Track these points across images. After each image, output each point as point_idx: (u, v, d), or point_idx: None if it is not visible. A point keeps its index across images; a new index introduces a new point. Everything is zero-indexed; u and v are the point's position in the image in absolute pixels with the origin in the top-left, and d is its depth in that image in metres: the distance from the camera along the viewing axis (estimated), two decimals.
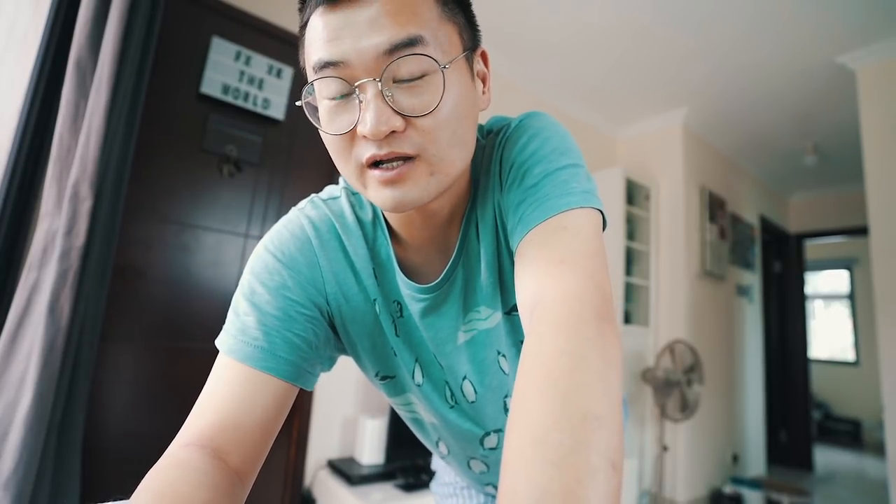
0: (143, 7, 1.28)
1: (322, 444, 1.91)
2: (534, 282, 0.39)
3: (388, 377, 0.58)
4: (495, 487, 0.68)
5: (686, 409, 2.69)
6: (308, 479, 1.86)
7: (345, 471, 1.75)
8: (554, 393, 0.29)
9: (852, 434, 5.35)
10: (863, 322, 5.66)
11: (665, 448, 2.78)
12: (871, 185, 2.33)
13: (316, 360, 0.50)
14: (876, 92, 2.37)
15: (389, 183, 0.40)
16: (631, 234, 3.10)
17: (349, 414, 2.00)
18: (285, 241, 0.51)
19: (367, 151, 0.40)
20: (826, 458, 4.62)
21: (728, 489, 2.93)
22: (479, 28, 0.48)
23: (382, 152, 0.39)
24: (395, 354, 0.56)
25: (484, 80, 0.48)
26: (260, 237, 1.81)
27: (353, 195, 0.55)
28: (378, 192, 0.41)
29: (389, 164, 0.40)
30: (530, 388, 0.30)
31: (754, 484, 2.98)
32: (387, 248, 0.53)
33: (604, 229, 0.44)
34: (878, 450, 4.66)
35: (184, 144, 1.68)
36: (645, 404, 2.95)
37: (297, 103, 0.43)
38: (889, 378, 2.15)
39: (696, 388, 2.70)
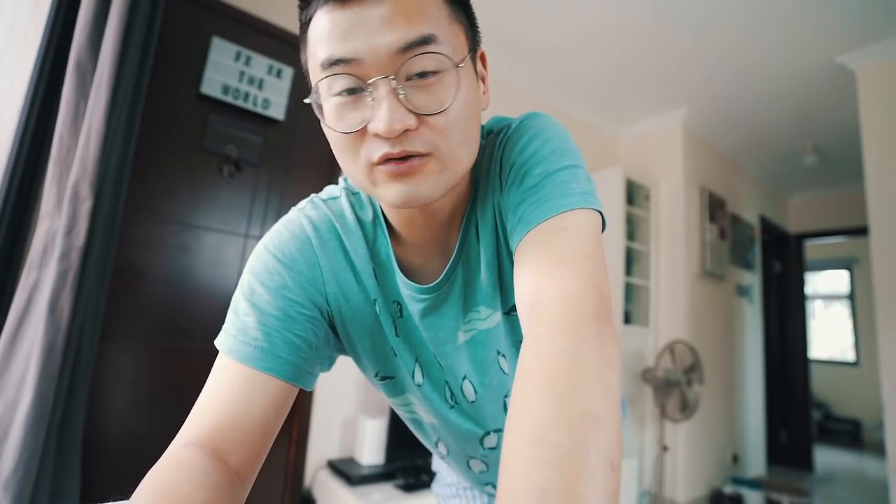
0: (143, 7, 1.28)
1: (322, 444, 1.91)
2: (533, 282, 0.39)
3: (387, 377, 0.58)
4: (494, 487, 0.69)
5: (686, 409, 2.69)
6: (308, 479, 1.86)
7: (345, 471, 1.75)
8: (552, 393, 0.29)
9: (852, 434, 5.35)
10: (863, 322, 5.66)
11: (665, 448, 2.78)
12: (871, 185, 2.33)
13: (316, 360, 0.50)
14: (876, 92, 2.37)
15: (400, 176, 0.40)
16: (631, 234, 3.10)
17: (349, 414, 2.00)
18: (285, 241, 0.51)
19: (380, 150, 0.39)
20: (826, 458, 4.62)
21: (728, 489, 2.93)
22: (479, 29, 0.48)
23: (396, 151, 0.39)
24: (395, 355, 0.56)
25: (483, 81, 0.48)
26: (260, 237, 1.81)
27: (353, 195, 0.55)
28: (388, 188, 0.41)
29: (402, 158, 0.40)
30: (529, 387, 0.30)
31: (754, 484, 2.98)
32: (387, 249, 0.53)
33: (603, 230, 0.44)
34: (878, 450, 4.66)
35: (184, 144, 1.68)
36: (645, 404, 2.95)
37: (307, 100, 0.42)
38: (889, 378, 2.15)
39: (696, 388, 2.70)
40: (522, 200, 0.44)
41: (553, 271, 0.38)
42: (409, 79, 0.39)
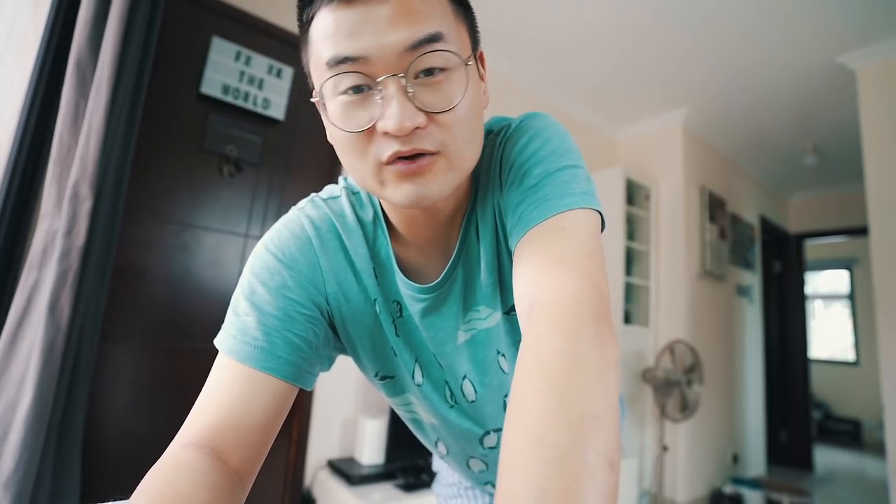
0: (143, 7, 1.28)
1: (322, 444, 1.91)
2: (532, 281, 0.39)
3: (387, 377, 0.58)
4: (494, 486, 0.69)
5: (686, 409, 2.69)
6: (308, 479, 1.86)
7: (345, 471, 1.75)
8: (551, 393, 0.29)
9: (852, 434, 5.35)
10: (863, 322, 5.66)
11: (665, 448, 2.78)
12: (871, 185, 2.33)
13: (315, 360, 0.50)
14: (876, 92, 2.37)
15: (410, 176, 0.40)
16: (631, 234, 3.10)
17: (349, 414, 2.00)
18: (286, 240, 0.51)
19: (389, 148, 0.39)
20: (826, 458, 4.62)
21: (728, 489, 2.93)
22: (478, 29, 0.48)
23: (406, 149, 0.39)
24: (395, 354, 0.56)
25: (482, 80, 0.49)
26: (260, 237, 1.80)
27: (353, 194, 0.55)
28: (398, 188, 0.41)
29: (411, 158, 0.40)
30: (528, 387, 0.30)
31: (754, 484, 2.98)
32: (387, 248, 0.53)
33: (602, 230, 0.44)
34: (878, 450, 4.66)
35: (184, 144, 1.68)
36: (645, 404, 2.95)
37: (313, 99, 0.42)
38: (889, 378, 2.15)
39: (696, 388, 2.70)
40: (522, 200, 0.44)
41: (552, 271, 0.38)
42: (416, 77, 0.39)
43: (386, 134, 0.39)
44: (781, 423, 4.31)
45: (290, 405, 0.47)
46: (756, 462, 3.60)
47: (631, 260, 3.07)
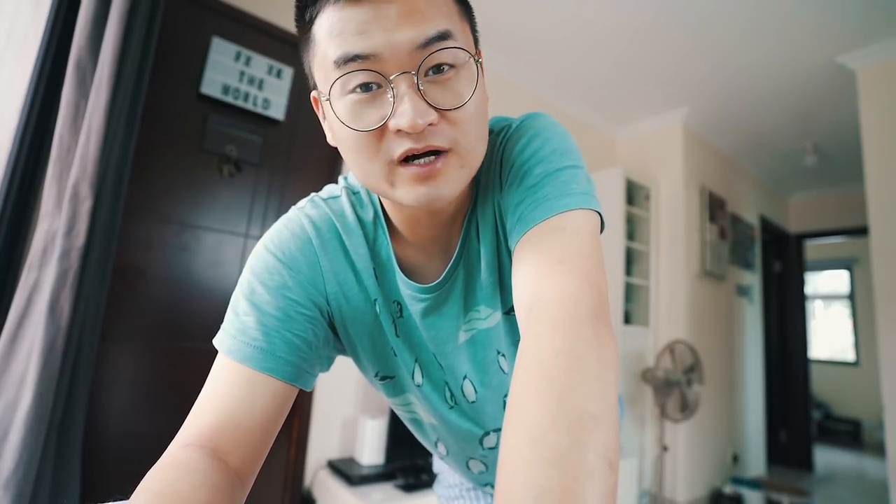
0: (143, 7, 1.28)
1: (322, 444, 1.91)
2: (531, 281, 0.39)
3: (387, 377, 0.58)
4: (493, 487, 0.68)
5: (686, 409, 2.69)
6: (308, 479, 1.86)
7: (345, 471, 1.75)
8: (550, 393, 0.29)
9: (852, 434, 5.35)
10: (863, 322, 5.66)
11: (665, 448, 2.78)
12: (871, 185, 2.33)
13: (315, 360, 0.49)
14: (876, 92, 2.37)
15: (424, 179, 0.40)
16: (631, 234, 3.10)
17: (349, 414, 2.00)
18: (286, 240, 0.50)
19: (402, 146, 0.39)
20: (826, 458, 4.62)
21: (728, 489, 2.93)
22: (478, 29, 0.48)
23: (419, 146, 0.39)
24: (395, 354, 0.56)
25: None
26: (260, 237, 1.81)
27: (353, 194, 0.55)
28: (410, 190, 0.41)
29: (426, 159, 0.40)
30: (527, 387, 0.30)
31: (754, 484, 2.98)
32: (387, 248, 0.53)
33: (601, 231, 0.44)
34: (878, 450, 4.66)
35: (184, 144, 1.68)
36: (645, 404, 2.95)
37: (324, 99, 0.41)
38: (889, 378, 2.15)
39: (696, 388, 2.70)
40: (522, 200, 0.44)
41: (552, 271, 0.38)
42: (425, 74, 0.39)
43: (398, 132, 0.38)
44: (781, 423, 4.31)
45: (290, 405, 0.47)
46: (756, 462, 3.60)
47: (631, 260, 3.07)
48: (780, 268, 4.56)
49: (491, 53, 2.62)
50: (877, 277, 2.24)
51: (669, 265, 3.09)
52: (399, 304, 0.54)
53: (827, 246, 5.92)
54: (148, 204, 1.60)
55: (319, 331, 0.50)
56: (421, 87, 0.38)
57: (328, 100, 0.40)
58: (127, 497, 0.35)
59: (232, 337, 0.45)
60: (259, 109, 1.81)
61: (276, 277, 0.48)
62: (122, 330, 1.53)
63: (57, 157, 1.15)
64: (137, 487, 0.34)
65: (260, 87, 1.82)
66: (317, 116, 0.48)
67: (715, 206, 3.28)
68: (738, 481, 3.04)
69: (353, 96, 0.39)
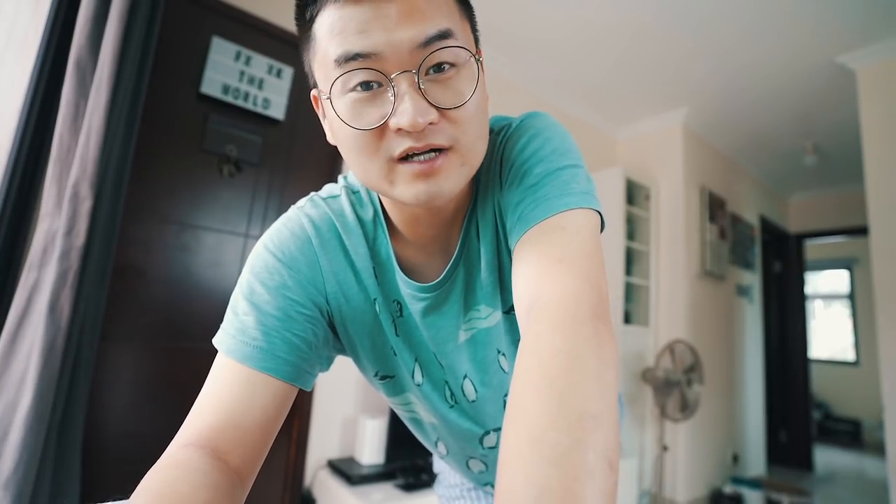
0: (143, 7, 1.28)
1: (322, 444, 1.91)
2: (531, 281, 0.39)
3: (387, 377, 0.58)
4: (493, 487, 0.68)
5: (686, 409, 2.69)
6: (308, 479, 1.86)
7: (345, 471, 1.75)
8: (550, 392, 0.29)
9: (852, 434, 5.35)
10: (863, 322, 5.66)
11: (665, 448, 2.78)
12: (871, 185, 2.33)
13: (315, 360, 0.49)
14: (876, 92, 2.37)
15: (424, 176, 0.40)
16: (631, 234, 3.10)
17: (349, 414, 2.00)
18: (285, 239, 0.50)
19: (402, 145, 0.39)
20: (826, 458, 4.62)
21: (728, 489, 2.93)
22: (478, 29, 0.48)
23: (420, 144, 0.39)
24: (395, 354, 0.56)
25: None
26: (260, 237, 1.81)
27: (353, 193, 0.55)
28: (410, 187, 0.40)
29: (426, 156, 0.40)
30: (527, 386, 0.30)
31: (754, 484, 2.98)
32: (387, 248, 0.53)
33: (602, 230, 0.44)
34: (878, 450, 4.66)
35: (184, 144, 1.68)
36: (645, 404, 2.95)
37: (325, 98, 0.41)
38: (889, 378, 2.15)
39: (696, 388, 2.70)
40: (522, 199, 0.44)
41: (552, 270, 0.38)
42: (426, 73, 0.39)
43: (399, 131, 0.38)
44: (781, 423, 4.31)
45: (290, 405, 0.47)
46: (756, 462, 3.60)
47: (631, 260, 3.07)
48: (780, 268, 4.56)
49: (491, 53, 2.62)
50: (877, 277, 2.24)
51: (669, 265, 3.09)
52: (399, 303, 0.54)
53: (827, 246, 5.92)
54: (148, 204, 1.60)
55: (319, 331, 0.50)
56: (422, 86, 0.38)
57: (328, 98, 0.40)
58: (127, 497, 0.35)
59: (231, 336, 0.45)
60: (259, 109, 1.81)
61: (275, 277, 0.48)
62: (122, 330, 1.53)
63: (57, 157, 1.15)
64: (137, 487, 0.34)
65: (260, 86, 1.82)
66: (317, 116, 0.48)
67: (715, 206, 3.28)
68: (738, 481, 3.04)
69: (354, 95, 0.39)
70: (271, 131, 1.88)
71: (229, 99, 1.75)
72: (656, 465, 2.79)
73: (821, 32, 2.26)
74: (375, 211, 0.53)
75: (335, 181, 0.58)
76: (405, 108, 0.37)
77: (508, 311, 0.53)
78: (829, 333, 6.06)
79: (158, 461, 0.37)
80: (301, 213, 0.53)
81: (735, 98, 2.90)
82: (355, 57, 0.37)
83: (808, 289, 5.35)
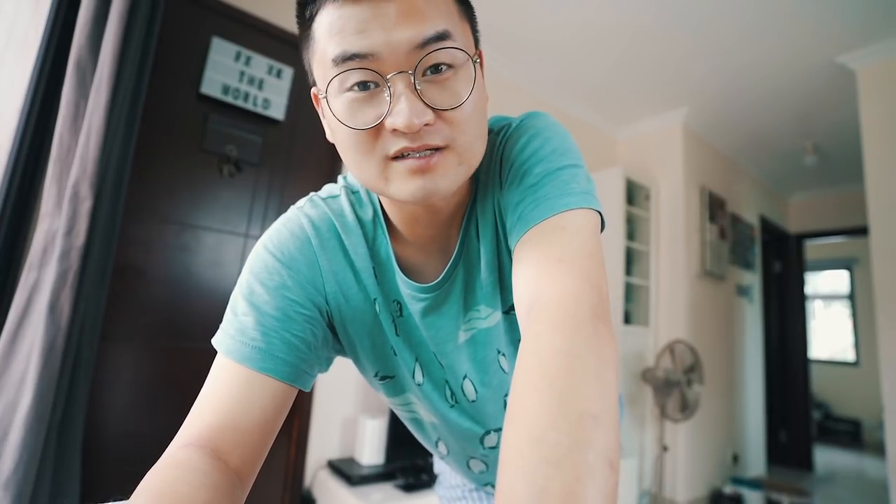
0: (143, 7, 1.28)
1: (322, 444, 1.91)
2: (531, 281, 0.39)
3: (387, 377, 0.58)
4: (494, 487, 0.68)
5: (686, 409, 2.69)
6: (308, 479, 1.86)
7: (345, 471, 1.75)
8: (551, 392, 0.29)
9: (852, 434, 5.35)
10: (863, 322, 5.66)
11: (665, 448, 2.78)
12: (871, 185, 2.33)
13: (314, 360, 0.49)
14: (876, 92, 2.37)
15: (419, 172, 0.40)
16: (631, 234, 3.10)
17: (349, 414, 2.00)
18: (285, 240, 0.50)
19: (397, 145, 0.39)
20: (826, 458, 4.62)
21: (728, 489, 2.93)
22: (478, 29, 0.48)
23: (415, 145, 0.39)
24: (395, 354, 0.56)
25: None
26: (260, 237, 1.81)
27: (352, 193, 0.55)
28: (405, 183, 0.40)
29: (422, 153, 0.40)
30: (527, 387, 0.30)
31: (754, 484, 2.98)
32: (386, 248, 0.53)
33: (602, 230, 0.44)
34: (878, 450, 4.66)
35: (184, 144, 1.68)
36: (645, 404, 2.95)
37: (323, 96, 0.41)
38: (889, 378, 2.15)
39: (696, 388, 2.70)
40: (522, 199, 0.44)
41: (552, 270, 0.38)
42: (423, 74, 0.39)
43: (394, 131, 0.39)
44: (781, 423, 4.31)
45: (290, 405, 0.47)
46: (756, 462, 3.60)
47: (631, 260, 3.07)
48: (780, 268, 4.56)
49: (492, 54, 2.62)
50: (877, 277, 2.24)
51: (669, 265, 3.09)
52: (399, 303, 0.54)
53: (827, 246, 5.92)
54: (148, 204, 1.60)
55: (318, 331, 0.50)
56: (418, 87, 0.38)
57: (326, 97, 0.41)
58: (127, 497, 0.35)
59: (231, 337, 0.45)
60: (259, 109, 1.81)
61: (275, 277, 0.48)
62: (122, 330, 1.53)
63: (57, 157, 1.15)
64: (137, 487, 0.34)
65: (260, 87, 1.82)
66: (317, 115, 0.48)
67: (715, 206, 3.28)
68: (738, 481, 3.04)
69: (351, 94, 0.39)
70: (271, 131, 1.88)
71: (229, 99, 1.75)
72: (656, 465, 2.79)
73: (821, 32, 2.26)
74: (375, 211, 0.53)
75: (335, 181, 0.58)
76: (401, 109, 0.37)
77: (508, 311, 0.52)
78: (829, 334, 6.06)
79: (158, 461, 0.37)
80: (300, 213, 0.53)
81: (735, 98, 2.90)
82: (352, 57, 0.37)
83: (808, 289, 5.35)
